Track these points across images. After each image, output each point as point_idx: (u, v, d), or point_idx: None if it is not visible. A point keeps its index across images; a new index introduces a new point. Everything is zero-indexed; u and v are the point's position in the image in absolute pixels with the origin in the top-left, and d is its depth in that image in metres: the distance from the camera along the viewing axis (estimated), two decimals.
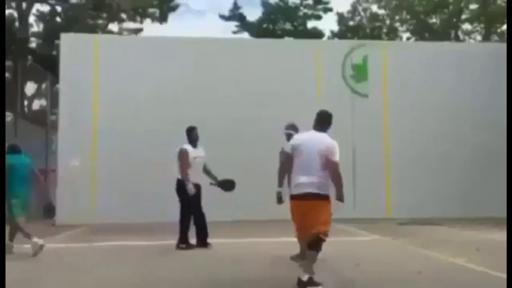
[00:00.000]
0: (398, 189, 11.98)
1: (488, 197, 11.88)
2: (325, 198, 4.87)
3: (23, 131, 12.63)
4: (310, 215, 4.84)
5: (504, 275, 5.14)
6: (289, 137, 5.99)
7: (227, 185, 7.62)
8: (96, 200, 11.28)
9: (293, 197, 5.04)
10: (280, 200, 5.32)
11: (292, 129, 6.47)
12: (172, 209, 9.92)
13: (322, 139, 5.03)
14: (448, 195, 11.96)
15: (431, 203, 11.81)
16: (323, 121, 5.22)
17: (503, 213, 9.92)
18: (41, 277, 5.58)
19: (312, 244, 4.80)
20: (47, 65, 16.06)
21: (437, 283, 5.29)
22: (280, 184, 5.31)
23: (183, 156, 7.37)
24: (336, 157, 4.93)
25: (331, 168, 4.88)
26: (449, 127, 12.45)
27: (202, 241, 7.40)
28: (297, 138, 5.32)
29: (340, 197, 4.87)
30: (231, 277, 5.54)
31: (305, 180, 4.88)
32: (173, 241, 7.92)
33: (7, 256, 5.87)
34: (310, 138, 5.08)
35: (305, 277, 4.70)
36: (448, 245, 7.79)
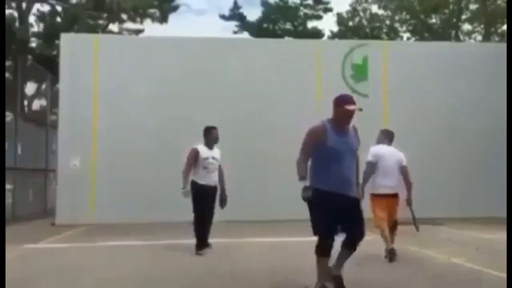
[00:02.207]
0: None
1: (488, 197, 11.87)
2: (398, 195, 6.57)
3: (23, 131, 12.62)
4: (393, 208, 6.51)
5: (504, 275, 5.15)
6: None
7: (223, 201, 7.20)
8: (96, 200, 11.29)
9: (381, 195, 6.41)
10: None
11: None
12: (172, 209, 9.95)
13: (397, 151, 6.69)
14: (448, 195, 11.96)
15: (431, 203, 11.79)
16: (391, 138, 6.86)
17: (503, 213, 9.93)
18: (41, 277, 5.58)
19: (393, 227, 6.51)
20: (47, 65, 16.04)
21: (437, 283, 5.28)
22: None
23: (188, 154, 7.12)
24: (405, 162, 6.63)
25: (403, 171, 6.57)
26: (448, 127, 12.45)
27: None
28: (379, 149, 6.68)
29: (410, 194, 6.60)
30: (230, 278, 5.54)
31: (390, 183, 6.45)
32: (173, 240, 7.94)
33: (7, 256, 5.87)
34: (388, 151, 6.64)
35: (390, 246, 6.29)
36: (448, 245, 7.79)
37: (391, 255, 6.23)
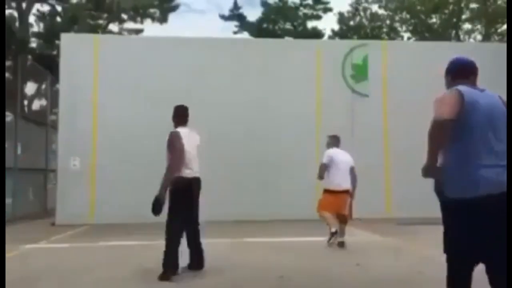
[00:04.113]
0: (398, 189, 11.97)
1: None
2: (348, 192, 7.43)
3: (23, 131, 12.62)
4: (343, 202, 7.32)
5: None
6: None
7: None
8: (96, 200, 11.29)
9: (333, 191, 7.31)
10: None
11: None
12: None
13: (347, 154, 7.57)
14: None
15: (431, 203, 11.74)
16: (339, 142, 7.72)
17: None
18: (41, 277, 5.57)
19: (343, 221, 7.34)
20: (47, 65, 16.05)
21: (437, 283, 5.26)
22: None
23: (173, 141, 5.52)
24: (353, 163, 7.54)
25: (352, 171, 7.46)
26: None
27: (197, 262, 5.65)
28: (333, 152, 7.46)
29: (355, 190, 7.47)
30: (230, 277, 5.54)
31: (342, 182, 7.31)
32: None
33: (7, 256, 5.87)
34: (342, 154, 7.51)
35: (342, 239, 7.21)
36: None
37: (340, 246, 7.13)
